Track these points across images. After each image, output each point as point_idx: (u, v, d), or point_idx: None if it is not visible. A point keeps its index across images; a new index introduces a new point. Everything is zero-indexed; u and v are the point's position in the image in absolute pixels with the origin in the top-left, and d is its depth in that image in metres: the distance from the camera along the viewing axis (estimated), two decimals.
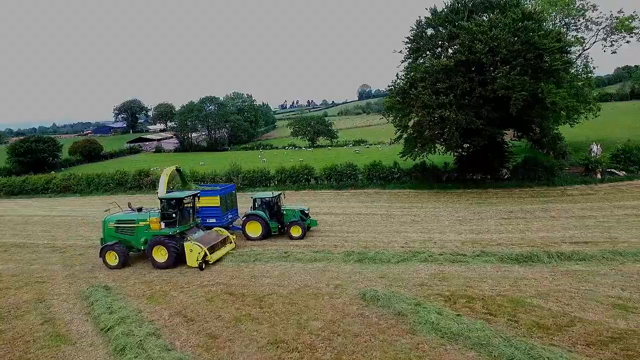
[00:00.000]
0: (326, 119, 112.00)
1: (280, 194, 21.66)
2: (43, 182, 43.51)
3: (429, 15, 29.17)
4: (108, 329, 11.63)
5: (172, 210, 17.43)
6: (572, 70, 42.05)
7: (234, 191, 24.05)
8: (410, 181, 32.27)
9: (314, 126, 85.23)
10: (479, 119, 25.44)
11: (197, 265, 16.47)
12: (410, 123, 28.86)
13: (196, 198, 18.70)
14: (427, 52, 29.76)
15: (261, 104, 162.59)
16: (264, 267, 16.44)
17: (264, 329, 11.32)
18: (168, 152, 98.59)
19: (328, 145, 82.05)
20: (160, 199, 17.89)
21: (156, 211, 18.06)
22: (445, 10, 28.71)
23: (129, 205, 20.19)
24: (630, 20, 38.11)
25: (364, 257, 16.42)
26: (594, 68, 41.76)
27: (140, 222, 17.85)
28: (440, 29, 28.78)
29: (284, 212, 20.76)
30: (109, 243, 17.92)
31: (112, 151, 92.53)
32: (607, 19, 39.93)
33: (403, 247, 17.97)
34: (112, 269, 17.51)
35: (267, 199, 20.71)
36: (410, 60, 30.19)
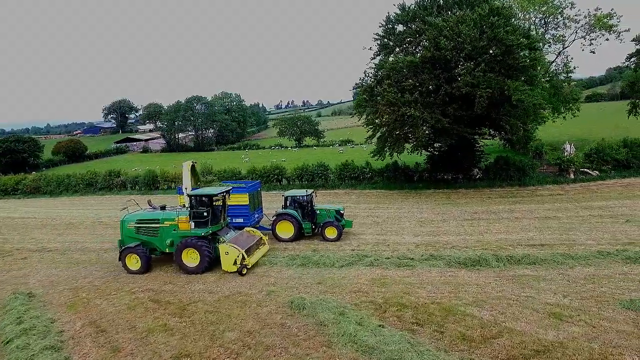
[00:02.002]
0: (318, 119, 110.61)
1: (313, 192, 20.18)
2: (13, 182, 42.43)
3: (398, 11, 28.42)
4: (8, 342, 10.75)
5: (204, 209, 15.60)
6: (552, 69, 41.80)
7: (259, 188, 22.48)
8: (381, 181, 31.55)
9: (300, 126, 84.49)
10: (445, 117, 24.73)
11: (235, 270, 14.78)
12: (379, 122, 28.11)
13: (227, 195, 16.83)
14: (397, 49, 29.04)
15: (253, 104, 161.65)
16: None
17: (173, 341, 10.47)
18: (155, 152, 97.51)
19: (314, 145, 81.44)
20: (190, 196, 15.96)
21: (183, 210, 16.34)
22: (414, 6, 27.98)
23: (149, 202, 18.51)
24: (608, 18, 37.59)
25: (307, 262, 15.63)
26: (574, 67, 41.27)
27: (165, 222, 15.94)
28: (411, 25, 28.07)
29: (318, 212, 19.39)
30: (130, 245, 15.94)
31: (97, 151, 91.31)
32: (585, 17, 39.49)
33: (354, 250, 17.19)
34: (134, 274, 15.72)
35: (300, 197, 19.36)
36: (380, 57, 29.44)
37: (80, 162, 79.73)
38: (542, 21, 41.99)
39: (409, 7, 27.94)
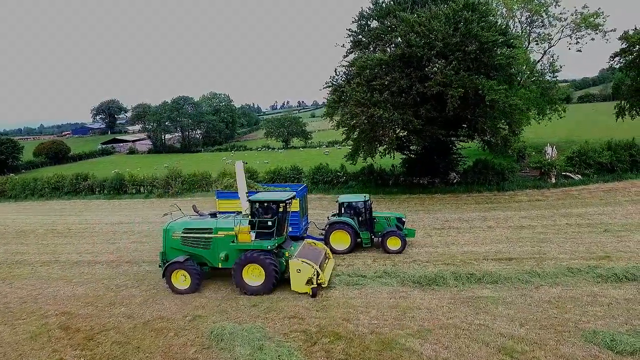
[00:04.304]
0: (312, 119, 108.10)
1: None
2: None
3: (371, 5, 26.94)
4: None
5: (269, 217, 13.46)
6: (538, 68, 40.52)
7: (306, 193, 20.37)
8: (356, 185, 30.07)
9: (287, 127, 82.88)
10: (417, 119, 23.32)
11: (307, 291, 12.57)
12: (352, 123, 26.60)
13: (291, 201, 14.57)
14: (371, 46, 27.55)
15: (245, 104, 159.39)
16: (130, 291, 14.03)
17: None
18: (141, 154, 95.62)
19: (301, 147, 79.90)
20: (253, 202, 13.71)
21: (238, 217, 14.07)
22: (388, 0, 26.53)
23: (194, 208, 16.08)
24: (594, 17, 36.33)
25: None
26: (560, 66, 40.03)
27: (219, 232, 13.65)
28: (384, 21, 26.60)
29: (376, 220, 17.27)
30: (178, 259, 13.51)
31: (81, 153, 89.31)
32: (572, 15, 38.26)
33: None
34: (180, 294, 13.33)
35: (356, 202, 17.22)
36: (353, 54, 27.93)
37: (63, 164, 77.75)
38: (528, 19, 40.79)
39: (382, 2, 26.49)
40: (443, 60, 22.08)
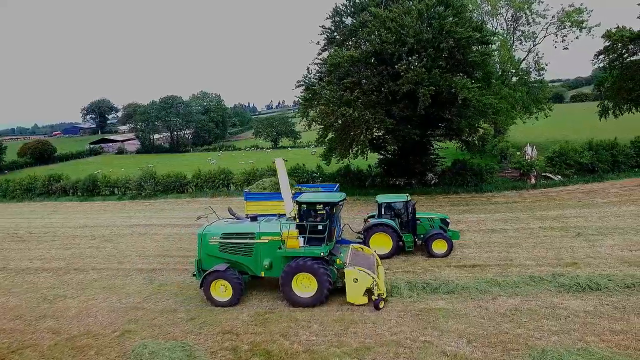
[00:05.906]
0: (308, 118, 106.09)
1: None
2: None
3: (345, 1, 26.09)
4: None
5: (319, 221, 12.24)
6: (523, 66, 39.91)
7: None
8: None
9: (275, 127, 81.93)
10: (390, 118, 22.51)
11: (364, 302, 11.45)
12: (325, 122, 25.71)
13: (343, 203, 13.28)
14: (349, 43, 26.67)
15: (238, 104, 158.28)
16: (66, 303, 13.12)
17: None
18: (130, 154, 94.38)
19: (289, 147, 79.00)
20: (301, 203, 12.41)
21: (284, 221, 12.58)
22: None
23: (230, 210, 14.59)
24: (577, 14, 35.76)
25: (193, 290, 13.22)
26: (545, 64, 39.49)
27: (263, 237, 12.35)
28: (358, 17, 25.74)
29: (419, 222, 16.04)
30: (218, 267, 12.18)
31: (68, 153, 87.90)
32: (557, 12, 37.69)
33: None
34: (221, 307, 12.03)
35: (396, 203, 15.98)
36: (328, 51, 27.06)
37: (50, 164, 76.36)
38: (512, 17, 40.15)
39: None
40: (415, 57, 21.26)
